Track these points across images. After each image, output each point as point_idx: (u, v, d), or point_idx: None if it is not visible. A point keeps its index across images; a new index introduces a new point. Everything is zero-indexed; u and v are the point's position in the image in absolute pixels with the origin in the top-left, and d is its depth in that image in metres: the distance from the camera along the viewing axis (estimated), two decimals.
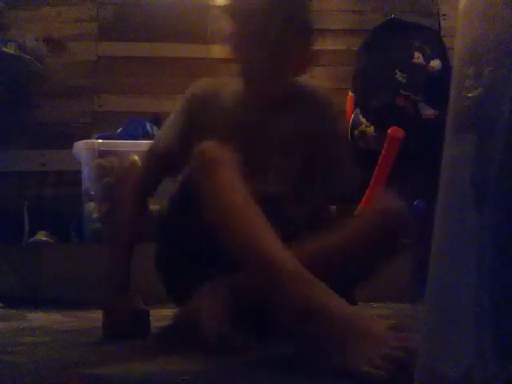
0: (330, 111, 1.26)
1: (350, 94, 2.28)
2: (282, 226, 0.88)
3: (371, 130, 2.14)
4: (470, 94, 0.46)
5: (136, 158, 1.90)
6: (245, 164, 0.97)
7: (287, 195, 1.13)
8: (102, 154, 1.88)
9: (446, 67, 2.14)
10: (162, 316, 1.14)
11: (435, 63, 2.15)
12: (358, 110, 2.19)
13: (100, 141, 1.96)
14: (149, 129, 2.09)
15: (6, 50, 2.13)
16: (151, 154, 1.23)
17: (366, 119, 2.15)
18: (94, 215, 1.87)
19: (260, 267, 0.81)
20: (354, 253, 0.99)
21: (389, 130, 1.92)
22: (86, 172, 1.92)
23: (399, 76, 2.12)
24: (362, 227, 1.02)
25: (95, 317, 1.11)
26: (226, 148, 0.95)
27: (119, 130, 2.12)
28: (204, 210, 0.90)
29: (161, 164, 1.21)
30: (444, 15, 2.48)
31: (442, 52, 2.20)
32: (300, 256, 0.84)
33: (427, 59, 2.15)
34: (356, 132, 2.18)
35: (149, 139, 2.00)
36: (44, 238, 1.91)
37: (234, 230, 0.86)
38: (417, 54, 2.16)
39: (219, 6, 1.45)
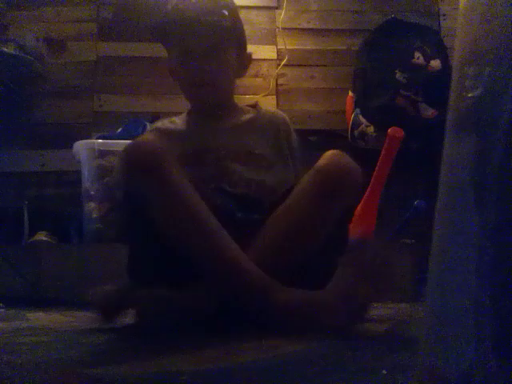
0: (285, 128, 1.27)
1: (350, 93, 2.28)
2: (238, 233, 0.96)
3: (371, 129, 2.14)
4: (469, 94, 0.46)
5: None
6: (200, 177, 1.04)
7: (245, 205, 1.10)
8: (102, 154, 1.88)
9: (446, 67, 2.14)
10: None
11: (435, 63, 2.15)
12: (358, 110, 2.19)
13: (100, 141, 1.96)
14: (149, 129, 2.09)
15: (5, 49, 2.13)
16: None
17: (366, 119, 2.15)
18: (94, 215, 1.87)
19: (216, 269, 0.92)
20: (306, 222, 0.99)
21: (389, 130, 1.92)
22: (85, 172, 1.92)
23: (399, 76, 2.12)
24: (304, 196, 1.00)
25: (95, 317, 1.11)
26: (159, 144, 0.94)
27: (119, 130, 2.12)
28: (152, 213, 0.92)
29: None
30: (444, 15, 2.48)
31: (442, 52, 2.20)
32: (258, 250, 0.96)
33: (427, 59, 2.15)
34: (356, 132, 2.18)
35: None
36: (44, 238, 1.91)
37: (189, 236, 0.92)
38: (417, 54, 2.16)
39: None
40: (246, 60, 1.27)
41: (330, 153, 1.03)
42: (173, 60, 1.22)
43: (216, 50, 1.16)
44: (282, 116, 1.31)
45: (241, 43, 1.25)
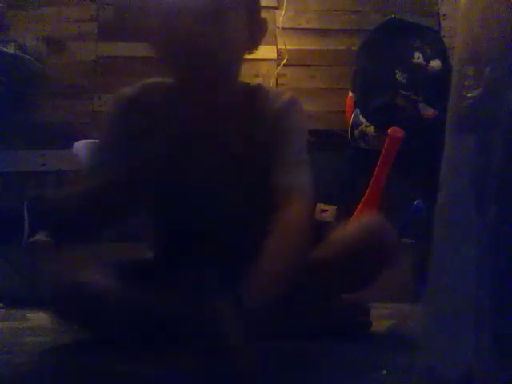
0: (290, 111, 1.03)
1: (350, 94, 2.28)
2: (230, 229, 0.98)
3: (371, 129, 2.13)
4: (469, 94, 0.46)
5: None
6: (187, 166, 0.97)
7: (235, 193, 0.99)
8: None
9: (446, 67, 2.14)
10: None
11: (435, 63, 2.15)
12: (357, 110, 2.19)
13: None
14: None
15: (5, 50, 2.13)
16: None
17: (366, 119, 2.15)
18: None
19: None
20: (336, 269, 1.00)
21: (389, 130, 1.92)
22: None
23: (399, 76, 2.12)
24: (345, 245, 1.00)
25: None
26: None
27: None
28: None
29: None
30: (444, 15, 2.48)
31: (442, 52, 2.19)
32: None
33: (427, 59, 2.15)
34: (356, 132, 2.18)
35: None
36: (44, 238, 1.91)
37: None
38: (417, 54, 2.16)
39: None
40: (259, 27, 0.98)
41: (368, 220, 1.03)
42: (158, 32, 0.94)
43: (218, 10, 0.88)
44: (291, 100, 1.04)
45: (253, 4, 0.98)
